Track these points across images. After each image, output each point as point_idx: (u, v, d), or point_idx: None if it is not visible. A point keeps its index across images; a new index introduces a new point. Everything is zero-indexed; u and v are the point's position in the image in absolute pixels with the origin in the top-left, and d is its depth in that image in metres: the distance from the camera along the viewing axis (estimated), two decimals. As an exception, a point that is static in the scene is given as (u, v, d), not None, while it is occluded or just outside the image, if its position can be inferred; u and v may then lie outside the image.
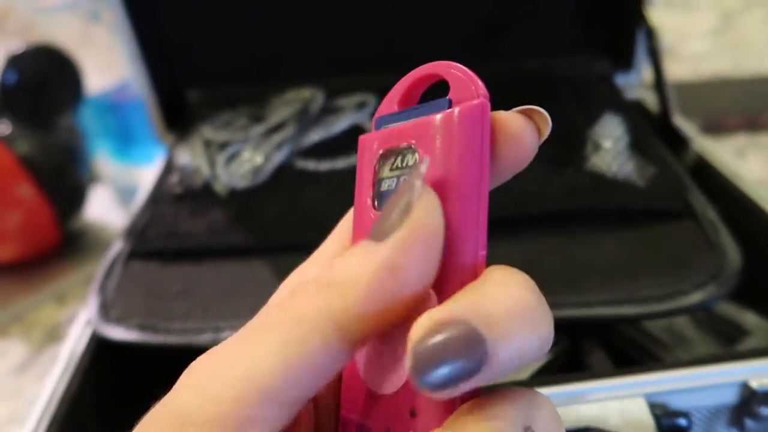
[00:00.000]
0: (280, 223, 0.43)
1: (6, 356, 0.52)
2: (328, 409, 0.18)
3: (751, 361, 0.30)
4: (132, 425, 0.15)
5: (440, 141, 0.16)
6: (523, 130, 0.16)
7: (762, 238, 0.39)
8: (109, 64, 0.66)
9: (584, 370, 0.36)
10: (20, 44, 0.57)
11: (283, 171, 0.48)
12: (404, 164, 0.17)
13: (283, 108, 0.52)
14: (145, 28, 0.54)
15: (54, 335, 0.53)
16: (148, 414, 0.15)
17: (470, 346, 0.13)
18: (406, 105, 0.19)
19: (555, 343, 0.35)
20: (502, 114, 0.16)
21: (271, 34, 0.56)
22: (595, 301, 0.33)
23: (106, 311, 0.38)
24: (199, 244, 0.42)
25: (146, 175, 0.54)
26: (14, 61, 0.56)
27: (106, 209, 0.67)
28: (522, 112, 0.16)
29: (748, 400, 0.30)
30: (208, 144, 0.50)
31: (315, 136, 0.50)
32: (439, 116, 0.16)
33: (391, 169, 0.17)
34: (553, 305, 0.15)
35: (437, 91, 0.18)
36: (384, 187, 0.18)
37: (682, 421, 0.29)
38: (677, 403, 0.29)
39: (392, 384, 0.16)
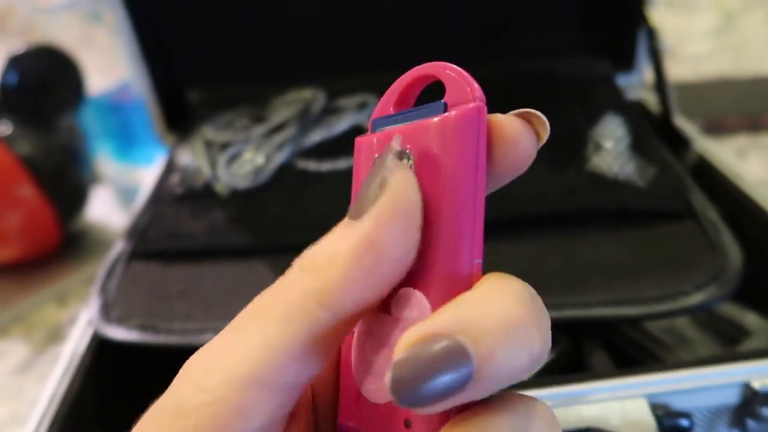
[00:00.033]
0: (281, 224, 0.43)
1: (7, 356, 0.52)
2: (328, 416, 0.18)
3: (753, 362, 0.30)
4: (133, 425, 0.15)
5: (435, 145, 0.16)
6: (520, 134, 0.16)
7: (763, 239, 0.39)
8: (110, 64, 0.66)
9: (585, 371, 0.36)
10: (21, 45, 0.58)
11: (285, 171, 0.48)
12: None
13: (285, 108, 0.52)
14: (146, 28, 0.54)
15: (55, 336, 0.53)
16: (146, 412, 0.15)
17: (454, 361, 0.13)
18: (402, 106, 0.18)
19: (556, 344, 0.35)
20: (499, 117, 0.16)
21: (272, 35, 0.56)
22: (596, 302, 0.33)
23: (107, 311, 0.38)
24: (200, 245, 0.42)
25: (147, 175, 0.54)
26: (15, 62, 0.56)
27: (107, 210, 0.67)
28: (520, 115, 0.16)
29: (750, 400, 0.30)
30: (209, 144, 0.50)
31: (316, 136, 0.50)
32: (434, 120, 0.16)
33: None
34: (554, 305, 0.15)
35: (435, 92, 0.18)
36: None
37: (684, 422, 0.29)
38: (679, 403, 0.29)
39: (385, 394, 0.16)
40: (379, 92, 0.19)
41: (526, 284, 0.15)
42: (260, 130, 0.50)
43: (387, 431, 0.16)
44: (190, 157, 0.50)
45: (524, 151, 0.16)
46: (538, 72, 0.54)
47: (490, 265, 0.16)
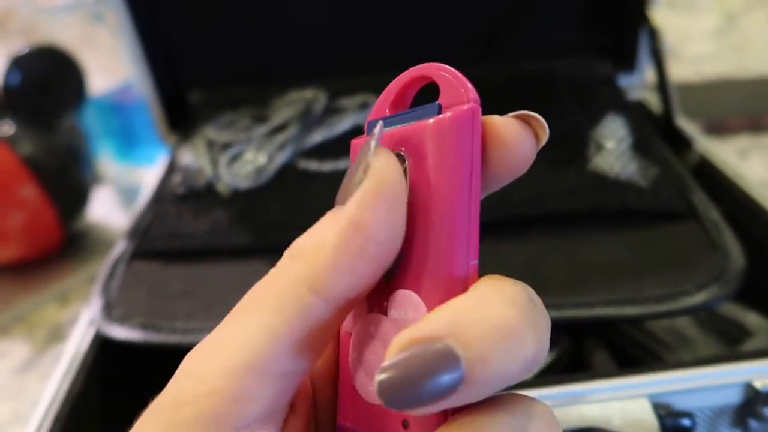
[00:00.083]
0: (282, 224, 0.43)
1: (9, 356, 0.52)
2: (329, 415, 0.18)
3: (756, 362, 0.30)
4: (134, 424, 0.15)
5: (428, 148, 0.16)
6: (518, 136, 0.16)
7: (765, 239, 0.39)
8: (111, 65, 0.66)
9: (586, 371, 0.36)
10: (23, 45, 0.58)
11: (286, 171, 0.48)
12: None
13: (286, 109, 0.52)
14: (147, 28, 0.54)
15: (56, 335, 0.53)
16: (147, 407, 0.15)
17: (443, 365, 0.13)
18: (398, 107, 0.18)
19: (557, 344, 0.35)
20: (497, 119, 0.16)
21: (273, 35, 0.56)
22: (598, 302, 0.33)
23: (109, 311, 0.38)
24: (201, 245, 0.42)
25: (149, 175, 0.54)
26: (17, 62, 0.56)
27: (108, 210, 0.67)
28: (518, 117, 0.16)
29: (752, 400, 0.29)
30: (210, 144, 0.50)
31: (318, 136, 0.50)
32: (428, 122, 0.16)
33: None
34: (555, 305, 0.15)
35: (434, 92, 0.18)
36: None
37: (686, 422, 0.29)
38: (681, 403, 0.29)
39: None
40: (381, 92, 0.19)
41: (524, 286, 0.15)
42: (262, 130, 0.50)
43: (384, 431, 0.16)
44: (192, 157, 0.50)
45: (523, 154, 0.16)
46: (540, 72, 0.54)
47: (491, 266, 0.16)
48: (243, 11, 0.55)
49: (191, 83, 0.58)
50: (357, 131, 0.50)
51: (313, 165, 0.48)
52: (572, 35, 0.57)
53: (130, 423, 0.16)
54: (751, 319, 0.38)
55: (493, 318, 0.14)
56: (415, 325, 0.14)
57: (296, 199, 0.45)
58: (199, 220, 0.44)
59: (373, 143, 0.16)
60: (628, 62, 0.56)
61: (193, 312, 0.37)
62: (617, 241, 0.38)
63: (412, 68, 0.18)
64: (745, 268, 0.35)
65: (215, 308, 0.37)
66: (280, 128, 0.50)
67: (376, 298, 0.17)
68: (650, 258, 0.37)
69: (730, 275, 0.34)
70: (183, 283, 0.40)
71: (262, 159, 0.48)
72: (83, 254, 0.62)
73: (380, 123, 0.17)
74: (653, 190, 0.41)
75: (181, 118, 0.57)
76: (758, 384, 0.29)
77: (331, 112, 0.52)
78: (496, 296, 0.14)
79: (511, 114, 0.16)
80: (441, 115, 0.16)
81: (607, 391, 0.29)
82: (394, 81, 0.18)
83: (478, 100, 0.16)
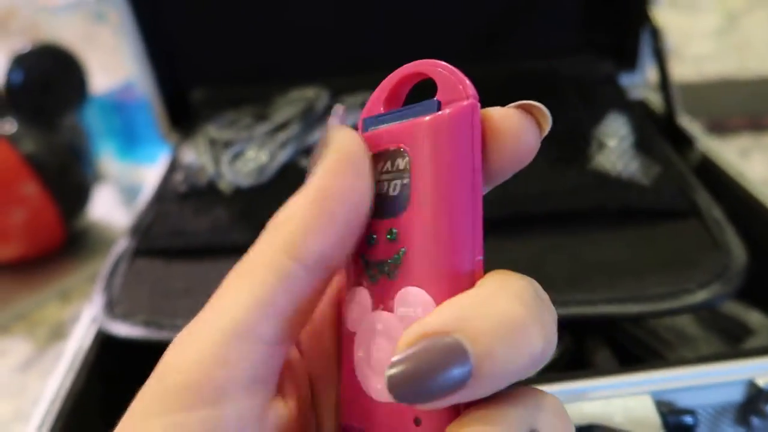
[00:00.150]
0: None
1: (10, 354, 0.52)
2: (330, 417, 0.18)
3: (758, 359, 0.30)
4: None
5: (430, 145, 0.16)
6: (520, 127, 0.16)
7: (767, 237, 0.39)
8: (113, 63, 0.66)
9: (588, 368, 0.36)
10: (25, 44, 0.58)
11: (288, 170, 0.48)
12: (395, 167, 0.17)
13: (288, 107, 0.52)
14: (149, 27, 0.54)
15: (58, 333, 0.53)
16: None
17: (452, 359, 0.13)
18: (392, 104, 0.18)
19: (559, 341, 0.35)
20: (495, 112, 0.16)
21: (275, 34, 0.56)
22: (600, 299, 0.33)
23: (111, 308, 0.38)
24: (203, 242, 0.42)
25: (150, 174, 0.54)
26: (19, 61, 0.57)
27: (110, 208, 0.68)
28: (520, 107, 0.16)
29: (755, 398, 0.29)
30: (212, 142, 0.50)
31: (319, 135, 0.50)
32: (427, 119, 0.16)
33: (382, 173, 0.17)
34: (557, 303, 0.15)
35: (428, 90, 0.18)
36: (375, 191, 0.17)
37: (689, 419, 0.29)
38: (683, 400, 0.29)
39: None
40: (381, 91, 0.19)
41: (531, 281, 0.15)
42: (263, 128, 0.50)
43: (395, 430, 0.16)
44: (194, 155, 0.50)
45: (526, 144, 0.16)
46: (541, 71, 0.54)
47: (493, 264, 0.16)
48: (244, 10, 0.55)
49: (193, 82, 0.58)
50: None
51: (314, 163, 0.48)
52: (573, 35, 0.57)
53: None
54: (753, 317, 0.38)
55: (501, 313, 0.14)
56: (424, 320, 0.14)
57: (298, 197, 0.45)
58: (200, 218, 0.44)
59: (332, 121, 0.17)
60: (629, 61, 0.56)
61: (194, 309, 0.36)
62: (619, 240, 0.38)
63: (405, 65, 0.18)
64: (747, 267, 0.35)
65: (217, 306, 0.37)
66: (282, 127, 0.50)
67: (382, 296, 0.17)
68: (652, 256, 0.37)
69: (732, 273, 0.34)
70: (185, 281, 0.40)
71: (263, 157, 0.48)
72: (85, 252, 0.62)
73: (341, 106, 0.18)
74: (655, 188, 0.41)
75: (182, 117, 0.57)
76: (761, 382, 0.29)
77: (332, 110, 0.52)
78: (502, 291, 0.14)
79: (512, 104, 0.16)
80: (441, 112, 0.16)
81: (610, 389, 0.29)
82: (387, 78, 0.18)
83: (477, 96, 0.16)
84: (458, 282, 0.15)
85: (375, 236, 0.17)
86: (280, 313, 0.15)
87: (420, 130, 0.16)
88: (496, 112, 0.16)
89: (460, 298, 0.14)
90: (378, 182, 0.17)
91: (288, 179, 0.47)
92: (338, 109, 0.18)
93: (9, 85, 0.57)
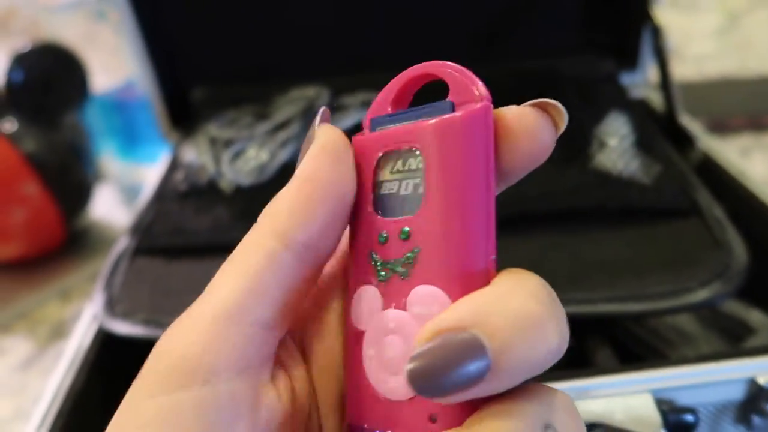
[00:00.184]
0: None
1: (11, 353, 0.52)
2: (331, 417, 0.18)
3: (759, 358, 0.30)
4: None
5: (444, 146, 0.16)
6: (535, 126, 0.16)
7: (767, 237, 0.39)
8: (114, 63, 0.66)
9: (589, 367, 0.36)
10: (26, 43, 0.58)
11: (288, 168, 0.48)
12: (406, 167, 0.17)
13: (288, 106, 0.52)
14: (150, 26, 0.54)
15: (59, 332, 0.53)
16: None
17: (471, 353, 0.13)
18: (399, 105, 0.18)
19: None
20: (509, 112, 0.16)
21: (275, 33, 0.56)
22: (601, 298, 0.33)
23: (112, 306, 0.38)
24: (204, 241, 0.42)
25: (151, 173, 0.54)
26: (20, 60, 0.57)
27: (110, 207, 0.68)
28: (536, 105, 0.16)
29: (756, 396, 0.29)
30: (213, 141, 0.51)
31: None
32: (442, 120, 0.16)
33: (392, 172, 0.17)
34: (558, 302, 0.15)
35: (430, 91, 0.18)
36: (384, 190, 0.17)
37: (689, 417, 0.29)
38: (684, 399, 0.29)
39: (408, 390, 0.16)
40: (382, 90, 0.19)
41: (543, 281, 0.16)
42: (264, 127, 0.50)
43: (411, 429, 0.16)
44: (195, 154, 0.50)
45: (542, 143, 0.16)
46: (542, 71, 0.54)
47: (500, 264, 0.16)
48: (245, 9, 0.55)
49: (193, 81, 0.58)
50: (359, 128, 0.50)
51: (315, 162, 0.48)
52: (574, 34, 0.57)
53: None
54: (754, 316, 0.38)
55: (517, 309, 0.14)
56: (441, 316, 0.14)
57: (298, 196, 0.45)
58: (201, 217, 0.44)
59: (317, 119, 0.18)
60: (630, 60, 0.56)
61: (195, 308, 0.37)
62: (620, 239, 0.38)
63: (414, 66, 0.18)
64: (748, 266, 0.35)
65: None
66: (283, 126, 0.50)
67: (394, 295, 0.17)
68: (653, 255, 0.37)
69: (732, 272, 0.34)
70: (185, 280, 0.40)
71: (264, 156, 0.48)
72: (85, 251, 0.62)
73: (324, 108, 0.18)
74: (656, 187, 0.41)
75: (183, 116, 0.57)
76: (761, 380, 0.29)
77: (333, 109, 0.52)
78: (517, 289, 0.15)
79: (528, 103, 0.16)
80: (455, 114, 0.16)
81: (610, 387, 0.29)
82: (395, 78, 0.18)
83: (490, 97, 0.16)
84: (473, 280, 0.15)
85: (386, 235, 0.17)
86: (269, 297, 0.16)
87: (434, 131, 0.16)
88: (509, 112, 0.16)
89: (476, 295, 0.15)
90: (387, 181, 0.17)
91: (288, 178, 0.47)
92: (323, 111, 0.18)
93: (10, 84, 0.57)
